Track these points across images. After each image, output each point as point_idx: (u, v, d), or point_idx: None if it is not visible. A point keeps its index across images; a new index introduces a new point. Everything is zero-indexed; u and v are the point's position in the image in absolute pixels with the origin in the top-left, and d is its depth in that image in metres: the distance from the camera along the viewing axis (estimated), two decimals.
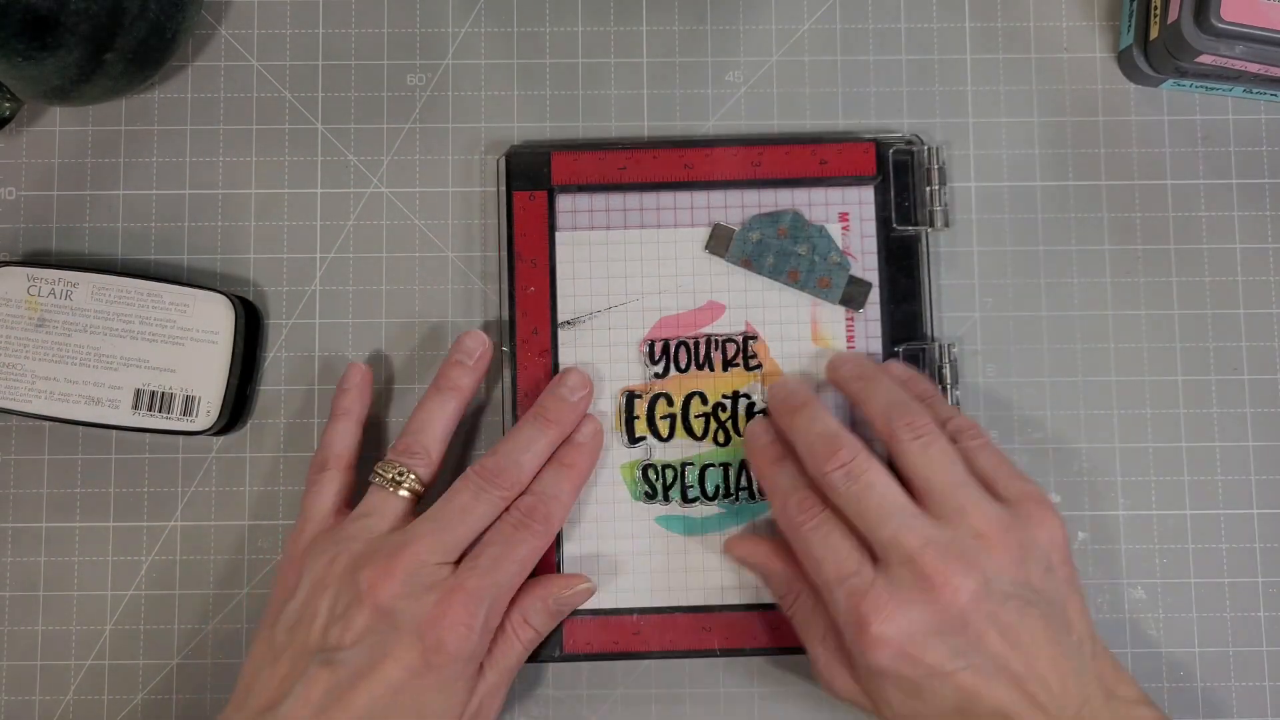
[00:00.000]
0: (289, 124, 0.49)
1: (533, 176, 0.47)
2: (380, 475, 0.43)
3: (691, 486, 0.46)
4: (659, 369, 0.47)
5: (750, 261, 0.47)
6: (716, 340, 0.47)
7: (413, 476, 0.43)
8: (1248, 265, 0.48)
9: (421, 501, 0.44)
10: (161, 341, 0.46)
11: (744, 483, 0.46)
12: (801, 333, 0.47)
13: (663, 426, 0.47)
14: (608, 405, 0.47)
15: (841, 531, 0.41)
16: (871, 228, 0.47)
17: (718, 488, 0.46)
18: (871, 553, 0.40)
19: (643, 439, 0.47)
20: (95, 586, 0.47)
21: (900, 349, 0.47)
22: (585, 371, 0.46)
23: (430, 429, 0.44)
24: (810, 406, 0.43)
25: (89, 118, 0.49)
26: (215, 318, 0.46)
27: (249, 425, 0.48)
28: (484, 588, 0.41)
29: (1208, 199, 0.48)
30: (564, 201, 0.47)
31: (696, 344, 0.47)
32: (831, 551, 0.40)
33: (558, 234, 0.47)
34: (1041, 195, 0.49)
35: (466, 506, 0.42)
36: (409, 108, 0.49)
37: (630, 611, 0.46)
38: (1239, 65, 0.45)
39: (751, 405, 0.46)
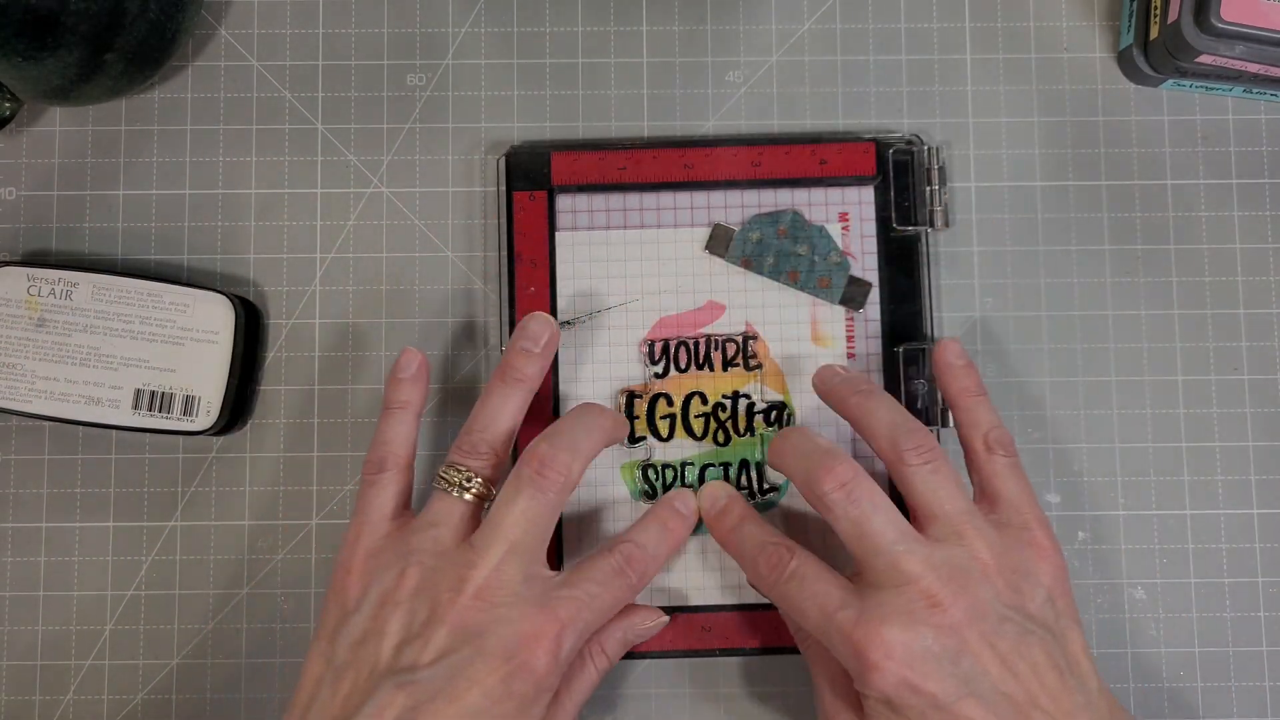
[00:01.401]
0: (289, 124, 0.49)
1: (533, 176, 0.47)
2: (444, 480, 0.41)
3: (691, 486, 0.46)
4: (659, 369, 0.47)
5: (750, 261, 0.47)
6: (716, 340, 0.47)
7: (479, 481, 0.41)
8: (1248, 265, 0.48)
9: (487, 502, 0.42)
10: (161, 341, 0.46)
11: (744, 483, 0.46)
12: (801, 333, 0.47)
13: (663, 426, 0.47)
14: (608, 405, 0.47)
15: (816, 572, 0.40)
16: (871, 228, 0.47)
17: None
18: (854, 579, 0.40)
19: (643, 439, 0.47)
20: (95, 586, 0.47)
21: (900, 349, 0.47)
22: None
23: (495, 425, 0.42)
24: (804, 430, 0.43)
25: (89, 118, 0.49)
26: (215, 318, 0.46)
27: (249, 425, 0.48)
28: (578, 620, 0.39)
29: (1208, 199, 0.48)
30: (564, 201, 0.47)
31: (696, 344, 0.47)
32: (812, 596, 0.39)
33: (558, 234, 0.47)
34: (1041, 195, 0.49)
35: (525, 511, 0.40)
36: (409, 108, 0.49)
37: None
38: (1239, 65, 0.45)
39: (751, 405, 0.46)
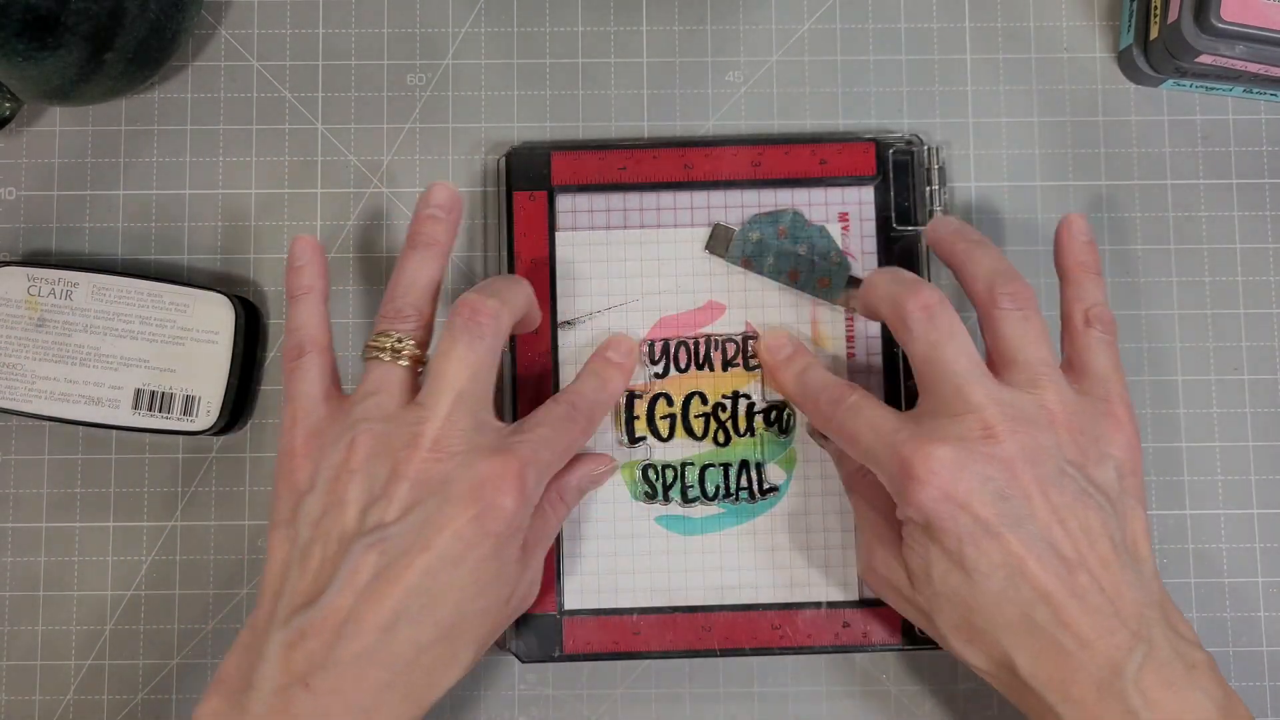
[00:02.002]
0: (289, 124, 0.49)
1: (533, 176, 0.47)
2: (375, 349, 0.41)
3: (691, 486, 0.46)
4: (659, 369, 0.47)
5: (750, 261, 0.47)
6: (716, 340, 0.47)
7: (410, 342, 0.40)
8: (1248, 265, 0.48)
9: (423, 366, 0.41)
10: (161, 341, 0.46)
11: (744, 483, 0.46)
12: (801, 333, 0.47)
13: (663, 426, 0.47)
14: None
15: (875, 404, 0.40)
16: (871, 228, 0.47)
17: (718, 488, 0.46)
18: (914, 413, 0.40)
19: (643, 439, 0.47)
20: (95, 586, 0.47)
21: (900, 349, 0.47)
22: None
23: (416, 288, 0.41)
24: (896, 268, 0.42)
25: (89, 118, 0.49)
26: (215, 318, 0.46)
27: (249, 425, 0.48)
28: (537, 460, 0.39)
29: (1208, 199, 0.48)
30: (564, 201, 0.47)
31: (696, 344, 0.47)
32: (868, 420, 0.39)
33: (558, 234, 0.47)
34: (1041, 195, 0.49)
35: (464, 358, 0.39)
36: (409, 108, 0.49)
37: (630, 612, 0.46)
38: (1239, 65, 0.45)
39: (751, 405, 0.46)
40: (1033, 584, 0.36)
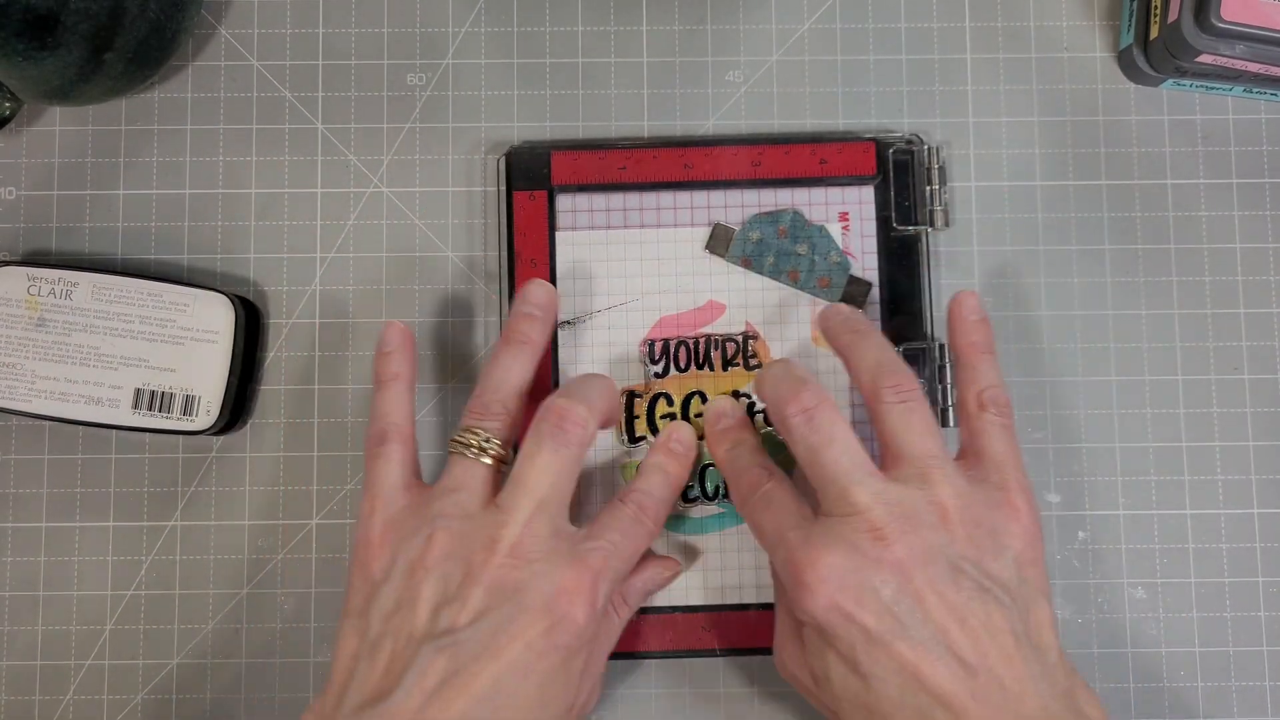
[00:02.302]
0: (289, 124, 0.49)
1: (533, 176, 0.47)
2: (460, 444, 0.41)
3: (691, 486, 0.46)
4: (659, 369, 0.47)
5: (750, 261, 0.47)
6: (716, 340, 0.47)
7: (496, 442, 0.41)
8: (1248, 265, 0.48)
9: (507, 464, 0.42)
10: (161, 341, 0.46)
11: None
12: (801, 333, 0.47)
13: (663, 426, 0.47)
14: None
15: (785, 498, 0.40)
16: (871, 227, 0.47)
17: (718, 488, 0.46)
18: (816, 512, 0.39)
19: (643, 439, 0.47)
20: (95, 586, 0.47)
21: (900, 349, 0.47)
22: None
23: (506, 385, 0.42)
24: (789, 360, 0.43)
25: (89, 118, 0.49)
26: (215, 318, 0.46)
27: (249, 425, 0.48)
28: (608, 569, 0.39)
29: (1208, 199, 0.48)
30: (564, 201, 0.47)
31: (696, 344, 0.47)
32: (773, 515, 0.39)
33: (558, 234, 0.47)
34: (1041, 195, 0.49)
35: (548, 466, 0.40)
36: (409, 108, 0.49)
37: None
38: (1239, 65, 0.45)
39: (751, 405, 0.46)
40: (930, 690, 0.35)
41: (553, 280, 0.47)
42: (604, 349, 0.47)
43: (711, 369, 0.47)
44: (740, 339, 0.47)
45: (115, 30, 0.42)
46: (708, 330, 0.47)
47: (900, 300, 0.47)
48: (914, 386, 0.40)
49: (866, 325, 0.43)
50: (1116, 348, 0.48)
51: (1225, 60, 0.44)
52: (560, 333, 0.47)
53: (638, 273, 0.47)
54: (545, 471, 0.40)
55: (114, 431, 0.47)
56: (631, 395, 0.47)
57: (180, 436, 0.47)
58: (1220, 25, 0.43)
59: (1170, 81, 0.48)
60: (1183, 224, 0.48)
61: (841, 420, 0.39)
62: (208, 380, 0.46)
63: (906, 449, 0.39)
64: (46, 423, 0.47)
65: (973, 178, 0.49)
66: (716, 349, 0.47)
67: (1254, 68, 0.45)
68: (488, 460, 0.41)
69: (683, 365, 0.47)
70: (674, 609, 0.46)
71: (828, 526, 0.38)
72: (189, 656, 0.47)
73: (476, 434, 0.41)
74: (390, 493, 0.41)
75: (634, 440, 0.46)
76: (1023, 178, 0.49)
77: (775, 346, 0.47)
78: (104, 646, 0.47)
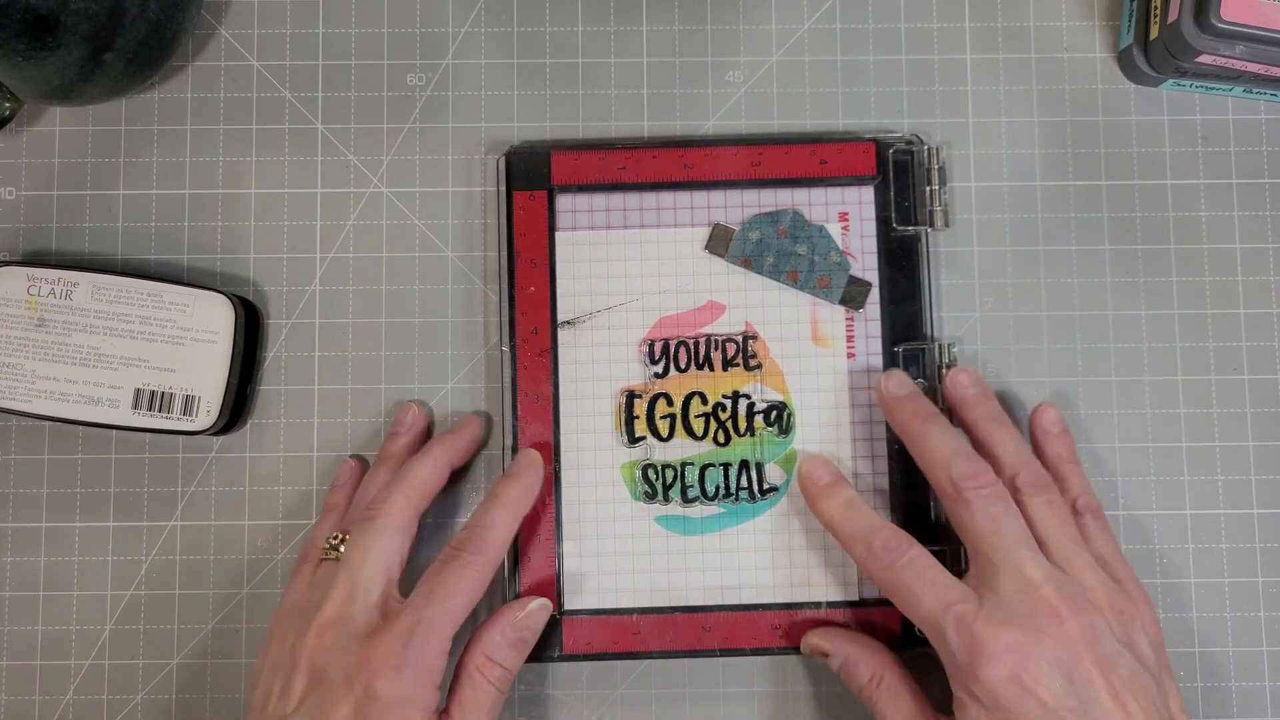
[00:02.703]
0: (289, 124, 0.49)
1: (533, 176, 0.47)
2: (324, 548, 0.43)
3: (691, 486, 0.46)
4: (659, 369, 0.47)
5: (750, 261, 0.47)
6: (716, 340, 0.47)
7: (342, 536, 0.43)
8: (1248, 265, 0.48)
9: None
10: (161, 341, 0.46)
11: (744, 483, 0.46)
12: (801, 332, 0.47)
13: (662, 426, 0.47)
14: (608, 405, 0.47)
15: (932, 562, 0.41)
16: (872, 227, 0.47)
17: (718, 488, 0.46)
18: (966, 580, 0.41)
19: (642, 439, 0.47)
20: (95, 586, 0.47)
21: (900, 349, 0.47)
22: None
23: (366, 495, 0.44)
24: (940, 418, 0.44)
25: (89, 118, 0.49)
26: (215, 318, 0.46)
27: (249, 425, 0.48)
28: (412, 625, 0.39)
29: (1208, 199, 0.48)
30: (564, 201, 0.47)
31: (696, 344, 0.47)
32: (930, 583, 0.40)
33: (558, 234, 0.47)
34: (1041, 195, 0.49)
35: (362, 545, 0.41)
36: (409, 108, 0.49)
37: (630, 611, 0.46)
38: (1239, 65, 0.45)
39: (751, 405, 0.47)
40: None
41: (552, 280, 0.47)
42: (604, 349, 0.47)
43: (711, 369, 0.47)
44: (740, 339, 0.47)
45: (115, 30, 0.42)
46: (708, 330, 0.47)
47: (900, 300, 0.47)
48: (1045, 477, 0.43)
49: (932, 410, 0.44)
50: (1116, 348, 0.48)
51: (1225, 60, 0.44)
52: (560, 332, 0.47)
53: (637, 273, 0.47)
54: (360, 551, 0.41)
55: (114, 431, 0.47)
56: (631, 395, 0.47)
57: (180, 436, 0.47)
58: (1220, 25, 0.43)
59: (1170, 82, 0.48)
60: (1182, 224, 0.48)
61: (1008, 496, 0.41)
62: (208, 380, 0.46)
63: (1050, 535, 0.41)
64: (46, 423, 0.47)
65: (973, 178, 0.49)
66: (716, 349, 0.47)
67: (1254, 68, 0.45)
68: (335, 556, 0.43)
69: (683, 366, 0.47)
70: (674, 609, 0.46)
71: (1002, 600, 0.39)
72: (189, 656, 0.47)
73: (331, 539, 0.43)
74: (288, 604, 0.43)
75: (634, 440, 0.46)
76: (1023, 178, 0.49)
77: (775, 346, 0.47)
78: (104, 646, 0.47)
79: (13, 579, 0.47)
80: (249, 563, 0.47)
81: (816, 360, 0.47)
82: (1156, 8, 0.46)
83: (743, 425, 0.47)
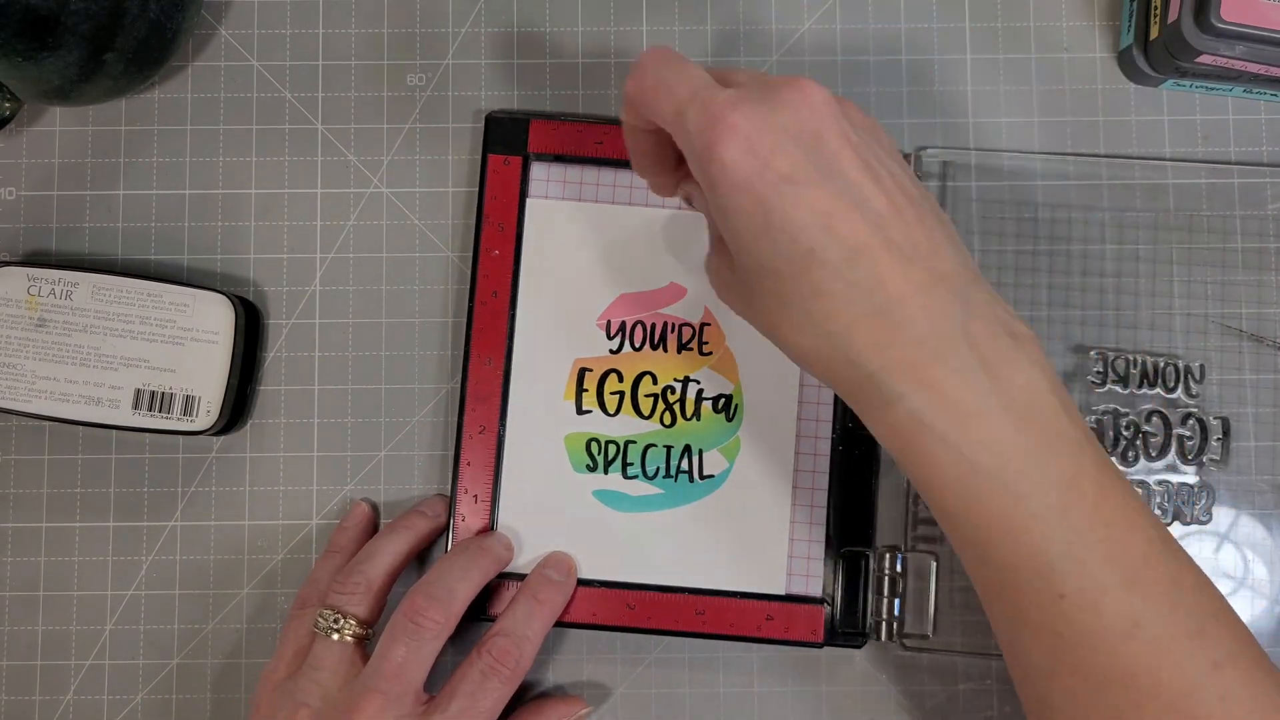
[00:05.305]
0: (289, 124, 0.49)
1: (510, 142, 0.47)
2: (319, 624, 0.42)
3: (632, 464, 0.46)
4: (614, 345, 0.47)
5: None
6: (674, 323, 0.47)
7: (351, 621, 0.42)
8: (1248, 265, 0.48)
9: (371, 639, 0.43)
10: (161, 341, 0.46)
11: (684, 466, 0.46)
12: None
13: (611, 402, 0.46)
14: (561, 374, 0.46)
15: (703, 71, 0.36)
16: None
17: (658, 469, 0.46)
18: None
19: (590, 412, 0.46)
20: (95, 586, 0.47)
21: None
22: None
23: (374, 560, 0.43)
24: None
25: (89, 118, 0.49)
26: (215, 318, 0.46)
27: (249, 425, 0.48)
28: None
29: (1208, 199, 0.48)
30: (538, 170, 0.47)
31: (654, 325, 0.47)
32: (689, 77, 0.35)
33: (529, 200, 0.47)
34: (1041, 195, 0.48)
35: (402, 659, 0.41)
36: (409, 108, 0.49)
37: None
38: (1239, 65, 0.45)
39: (700, 391, 0.46)
40: (845, 239, 0.33)
41: (518, 246, 0.46)
42: (563, 318, 0.46)
43: (665, 351, 0.47)
44: (697, 325, 0.47)
45: (115, 30, 0.42)
46: (666, 312, 0.47)
47: None
48: None
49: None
50: None
51: (1225, 60, 0.44)
52: (520, 298, 0.46)
53: (605, 245, 0.47)
54: (398, 666, 0.41)
55: (114, 432, 0.47)
56: (584, 368, 0.46)
57: (180, 437, 0.47)
58: (1220, 25, 0.43)
59: (1170, 82, 0.48)
60: (1183, 224, 0.48)
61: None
62: (208, 381, 0.46)
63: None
64: (46, 423, 0.47)
65: (973, 177, 0.49)
66: (673, 332, 0.47)
67: (1254, 68, 0.45)
68: (347, 638, 0.42)
69: (638, 344, 0.47)
70: (604, 583, 0.45)
71: (742, 88, 0.35)
72: (189, 656, 0.47)
73: (330, 615, 0.42)
74: (291, 655, 0.43)
75: (581, 412, 0.46)
76: (1023, 177, 0.49)
77: (730, 335, 0.46)
78: (104, 646, 0.47)
79: (13, 579, 0.47)
80: (249, 563, 0.47)
81: (769, 353, 0.46)
82: (1156, 8, 0.46)
83: (690, 410, 0.46)
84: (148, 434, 0.47)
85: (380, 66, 0.49)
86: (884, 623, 0.46)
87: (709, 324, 0.47)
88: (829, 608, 0.46)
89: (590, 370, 0.47)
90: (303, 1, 0.49)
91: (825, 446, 0.46)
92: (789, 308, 0.35)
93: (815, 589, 0.46)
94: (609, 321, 0.47)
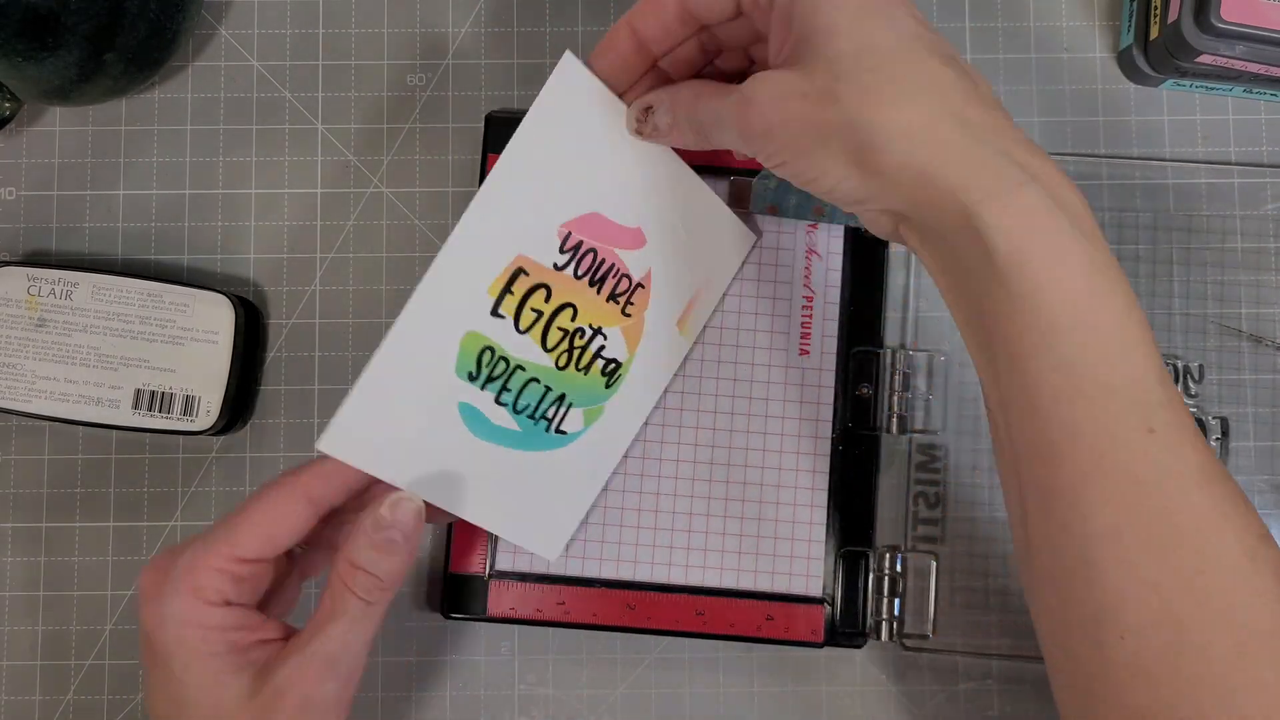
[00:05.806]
0: (289, 124, 0.49)
1: (508, 139, 0.41)
2: None
3: (509, 391, 0.43)
4: (563, 260, 0.43)
5: (775, 207, 0.46)
6: (619, 268, 0.44)
7: None
8: (1248, 265, 0.48)
9: None
10: (161, 341, 0.46)
11: (550, 414, 0.44)
12: (674, 310, 0.45)
13: (526, 318, 0.42)
14: (498, 263, 0.41)
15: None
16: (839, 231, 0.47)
17: (528, 405, 0.43)
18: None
19: (503, 318, 0.42)
20: (95, 586, 0.47)
21: (854, 351, 0.46)
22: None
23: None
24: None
25: (89, 118, 0.49)
26: (215, 318, 0.46)
27: (249, 425, 0.48)
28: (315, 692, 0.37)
29: (1208, 199, 0.48)
30: None
31: (604, 260, 0.43)
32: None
33: (565, 57, 0.41)
34: None
35: None
36: (409, 108, 0.49)
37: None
38: (1239, 65, 0.45)
39: (602, 348, 0.44)
40: (939, 44, 0.34)
41: None
42: (524, 213, 0.41)
43: (599, 292, 0.44)
44: (634, 281, 0.44)
45: (115, 30, 0.42)
46: (620, 254, 0.44)
47: (862, 300, 0.47)
48: None
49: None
50: None
51: (1225, 60, 0.44)
52: (499, 167, 0.40)
53: (596, 161, 0.42)
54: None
55: (114, 432, 0.47)
56: (520, 270, 0.41)
57: (180, 437, 0.47)
58: (1220, 25, 0.43)
59: (1170, 82, 0.48)
60: (1183, 224, 0.48)
61: None
62: (208, 381, 0.46)
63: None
64: (46, 423, 0.47)
65: None
66: (614, 276, 0.44)
67: (1254, 68, 0.45)
68: None
69: (580, 272, 0.43)
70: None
71: None
72: None
73: None
74: None
75: (494, 314, 0.41)
76: None
77: (654, 306, 0.45)
78: (104, 646, 0.47)
79: (13, 579, 0.47)
80: None
81: (670, 339, 0.46)
82: (1156, 8, 0.46)
83: (584, 361, 0.44)
84: (148, 434, 0.47)
85: (380, 66, 0.49)
86: (884, 623, 0.46)
87: (643, 286, 0.45)
88: (829, 608, 0.46)
89: (526, 274, 0.42)
90: (303, 1, 0.49)
91: (825, 446, 0.46)
92: (896, 83, 0.33)
93: (815, 589, 0.46)
94: (570, 233, 0.42)
